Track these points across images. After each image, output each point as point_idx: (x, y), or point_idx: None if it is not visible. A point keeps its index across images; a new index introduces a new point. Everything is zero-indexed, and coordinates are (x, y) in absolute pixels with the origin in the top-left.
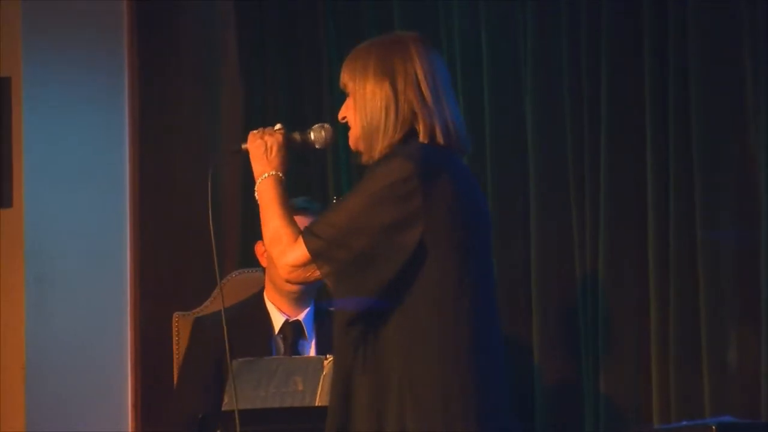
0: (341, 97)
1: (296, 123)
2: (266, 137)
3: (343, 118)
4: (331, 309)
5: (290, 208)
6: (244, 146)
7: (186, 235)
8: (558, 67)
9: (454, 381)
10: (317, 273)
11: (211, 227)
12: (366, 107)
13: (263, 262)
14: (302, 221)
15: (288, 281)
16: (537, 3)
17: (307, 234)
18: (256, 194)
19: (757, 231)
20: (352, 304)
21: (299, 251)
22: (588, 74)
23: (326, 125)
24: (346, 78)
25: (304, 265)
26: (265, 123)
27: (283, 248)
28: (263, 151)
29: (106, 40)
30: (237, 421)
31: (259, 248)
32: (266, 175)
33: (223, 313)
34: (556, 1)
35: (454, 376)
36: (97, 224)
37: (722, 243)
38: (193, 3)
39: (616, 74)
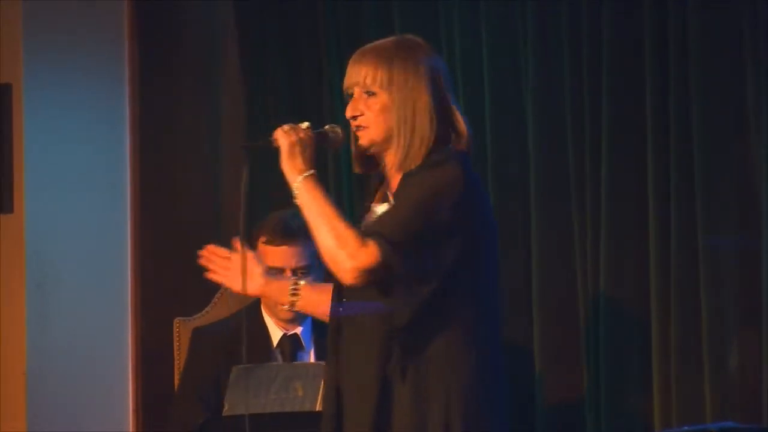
0: (341, 100)
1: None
2: (301, 134)
3: (355, 116)
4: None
5: (280, 230)
6: (276, 143)
7: (187, 241)
8: (559, 68)
9: (493, 386)
10: (380, 277)
11: (243, 226)
12: (407, 114)
13: None
14: (293, 251)
15: (351, 285)
16: (537, 3)
17: (377, 237)
18: (296, 193)
19: (759, 236)
20: (405, 310)
21: (370, 255)
22: (589, 76)
23: (338, 128)
24: (368, 79)
25: (374, 269)
26: (267, 125)
27: (351, 251)
28: (301, 149)
29: (107, 46)
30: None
31: None
32: (307, 174)
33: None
34: (557, 2)
35: (493, 382)
36: (98, 229)
37: (723, 248)
38: (193, 6)
39: (617, 77)
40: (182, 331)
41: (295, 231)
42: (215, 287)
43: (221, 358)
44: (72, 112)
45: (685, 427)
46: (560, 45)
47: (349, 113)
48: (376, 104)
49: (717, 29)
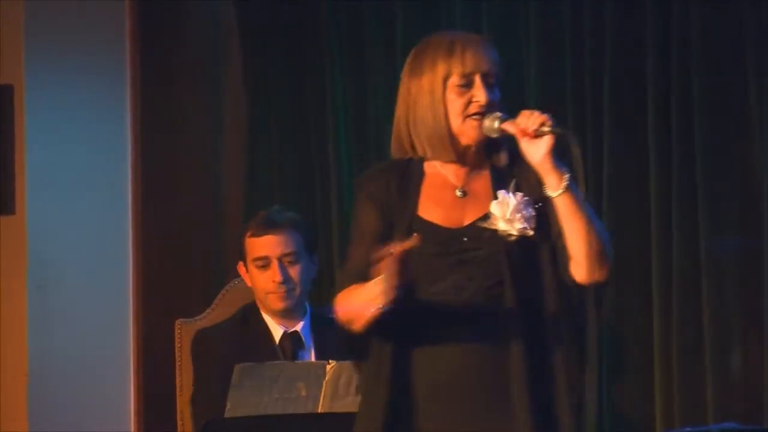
0: (343, 98)
1: (299, 126)
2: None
3: (493, 103)
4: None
5: (263, 222)
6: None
7: (188, 242)
8: (561, 68)
9: None
10: None
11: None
12: None
13: (248, 282)
14: (277, 239)
15: (601, 282)
16: (540, 3)
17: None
18: (566, 186)
19: (760, 236)
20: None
21: None
22: (591, 76)
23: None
24: (494, 69)
25: None
26: (269, 125)
27: (610, 249)
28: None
29: (108, 47)
30: None
31: (241, 268)
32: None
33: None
34: (559, 2)
35: None
36: (99, 231)
37: (726, 249)
38: (194, 6)
39: (619, 78)
40: (183, 332)
41: (279, 222)
42: (216, 288)
43: (229, 358)
44: (73, 113)
45: (687, 429)
46: (562, 45)
47: (489, 98)
48: (496, 95)
49: (719, 29)
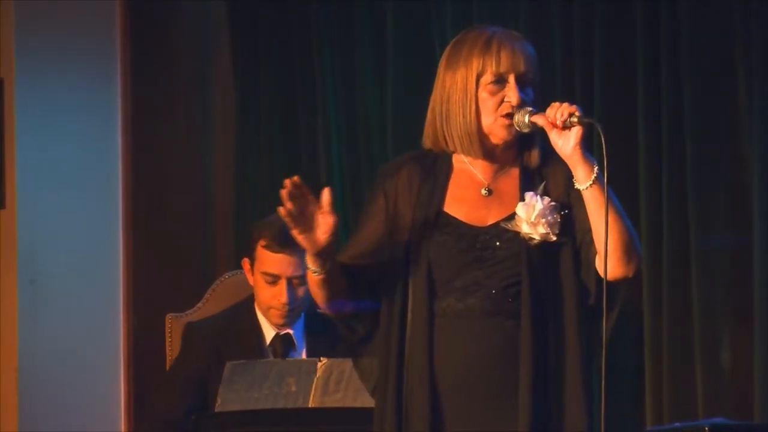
0: (333, 97)
1: (289, 124)
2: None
3: (525, 103)
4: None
5: (280, 237)
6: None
7: (178, 237)
8: (550, 68)
9: None
10: None
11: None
12: None
13: (250, 280)
14: (290, 260)
15: (629, 278)
16: (530, 4)
17: None
18: (596, 177)
19: (749, 234)
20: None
21: None
22: (580, 75)
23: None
24: (530, 69)
25: None
26: (258, 121)
27: (638, 243)
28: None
29: (100, 44)
30: None
31: (246, 265)
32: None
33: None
34: (549, 3)
35: None
36: (90, 226)
37: (715, 246)
38: (186, 7)
39: (608, 77)
40: (174, 326)
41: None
42: (206, 283)
43: (211, 355)
44: (64, 108)
45: (677, 424)
46: (552, 47)
47: (521, 98)
48: (530, 95)
49: (709, 26)
